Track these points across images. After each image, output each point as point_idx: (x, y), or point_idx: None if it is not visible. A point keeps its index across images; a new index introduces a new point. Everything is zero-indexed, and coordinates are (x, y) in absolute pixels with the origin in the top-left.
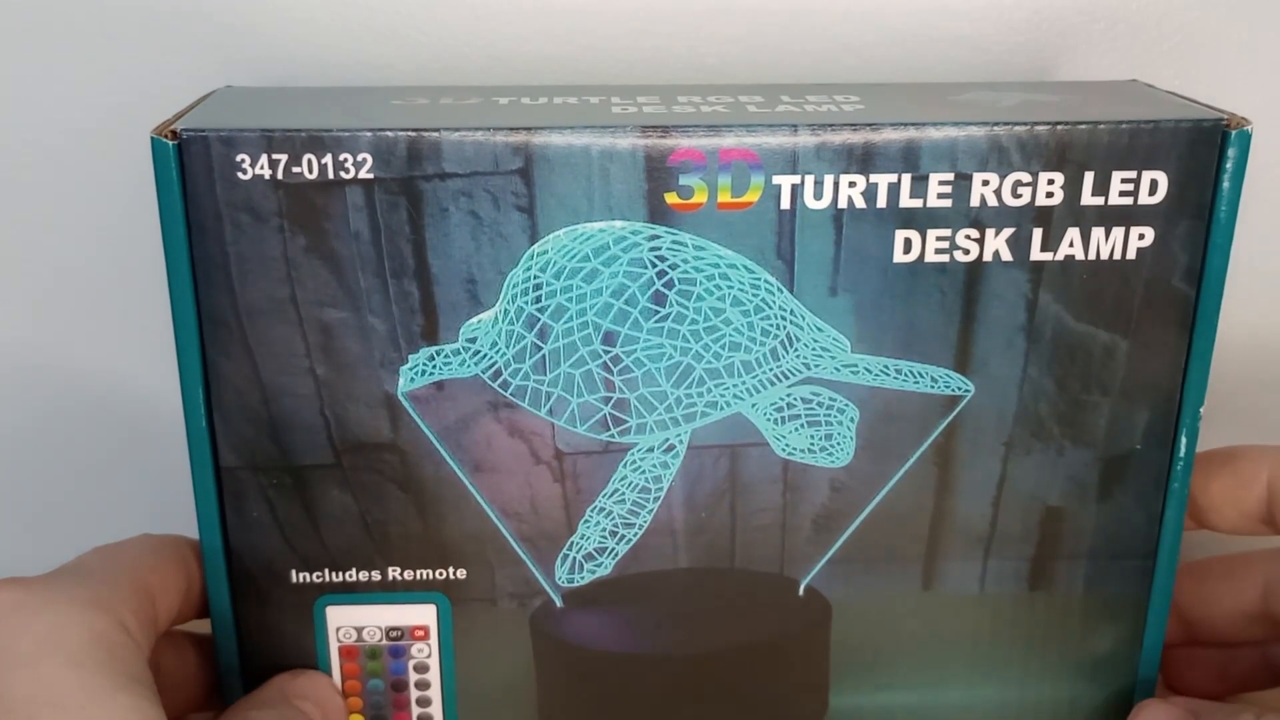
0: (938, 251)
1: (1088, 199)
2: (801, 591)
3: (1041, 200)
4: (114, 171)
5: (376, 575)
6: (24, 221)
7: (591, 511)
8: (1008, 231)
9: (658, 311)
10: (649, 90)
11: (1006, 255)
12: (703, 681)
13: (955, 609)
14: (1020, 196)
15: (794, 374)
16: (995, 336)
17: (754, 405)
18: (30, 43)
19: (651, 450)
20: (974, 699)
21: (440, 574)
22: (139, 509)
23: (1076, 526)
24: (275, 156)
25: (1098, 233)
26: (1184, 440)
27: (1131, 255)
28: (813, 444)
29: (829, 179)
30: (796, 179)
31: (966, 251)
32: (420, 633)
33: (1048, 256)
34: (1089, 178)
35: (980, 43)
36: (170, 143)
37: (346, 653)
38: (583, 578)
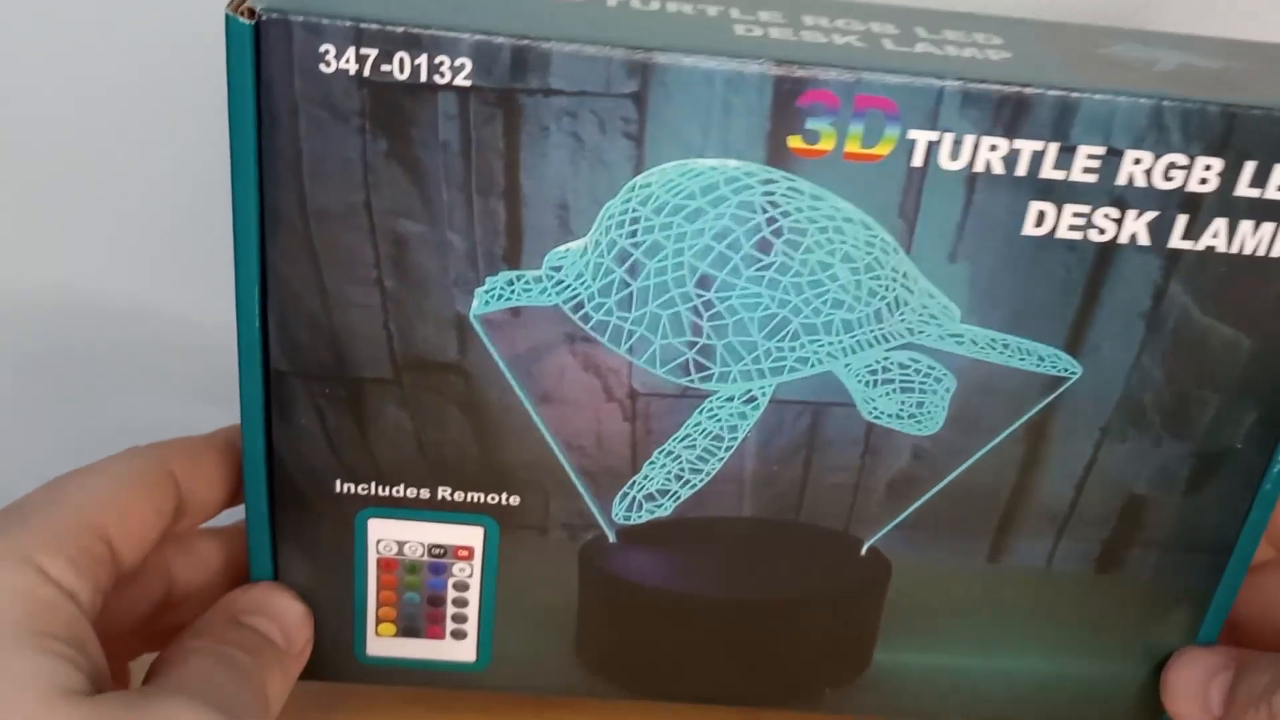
0: (1072, 228)
1: (1243, 189)
2: (864, 551)
3: (1194, 186)
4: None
5: (425, 493)
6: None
7: (659, 454)
8: (1150, 215)
9: (760, 260)
10: (770, 4)
11: (1144, 239)
12: (746, 627)
13: (1018, 583)
14: (1172, 180)
15: (896, 338)
16: (1113, 321)
17: (847, 365)
18: None
19: (731, 400)
20: (1019, 667)
21: (492, 498)
22: (186, 417)
23: (1157, 516)
24: (364, 51)
25: (1245, 226)
26: None
27: (1276, 253)
28: (903, 410)
29: (969, 139)
30: (934, 135)
31: (1102, 231)
32: (464, 553)
33: (1187, 245)
34: (1249, 167)
35: None
36: (247, 22)
37: (385, 565)
38: (640, 517)
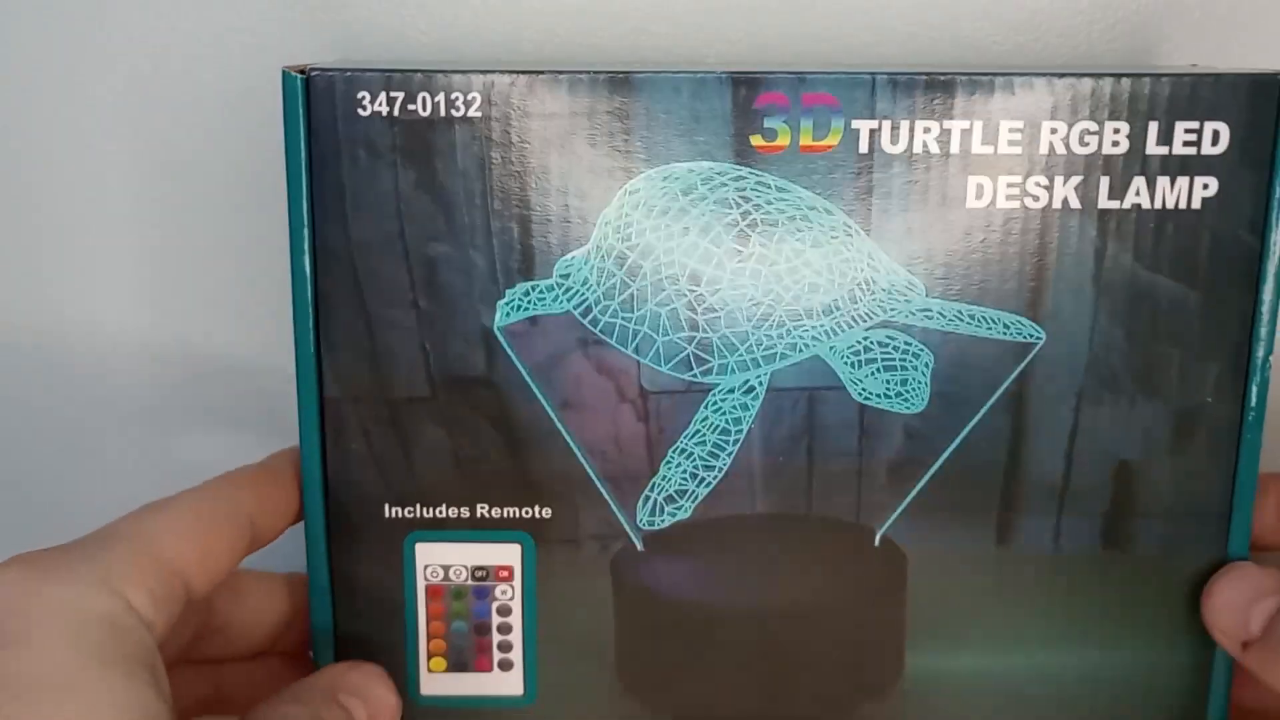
0: (1008, 198)
1: (1153, 148)
2: (878, 541)
3: (1108, 149)
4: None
5: (465, 512)
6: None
7: (673, 453)
8: (1075, 179)
9: (741, 252)
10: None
11: (1075, 203)
12: (776, 637)
13: (1032, 568)
14: (1087, 145)
15: (871, 317)
16: (1065, 283)
17: (832, 348)
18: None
19: (732, 391)
20: (1056, 666)
21: (526, 513)
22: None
23: (1150, 481)
24: (393, 94)
25: (1163, 181)
26: (1255, 391)
27: (1196, 205)
28: (888, 389)
29: (905, 124)
30: (874, 123)
31: (1036, 198)
32: (505, 573)
33: (1115, 204)
34: (1153, 127)
35: (981, 42)
36: (299, 76)
37: (433, 593)
38: (663, 520)
